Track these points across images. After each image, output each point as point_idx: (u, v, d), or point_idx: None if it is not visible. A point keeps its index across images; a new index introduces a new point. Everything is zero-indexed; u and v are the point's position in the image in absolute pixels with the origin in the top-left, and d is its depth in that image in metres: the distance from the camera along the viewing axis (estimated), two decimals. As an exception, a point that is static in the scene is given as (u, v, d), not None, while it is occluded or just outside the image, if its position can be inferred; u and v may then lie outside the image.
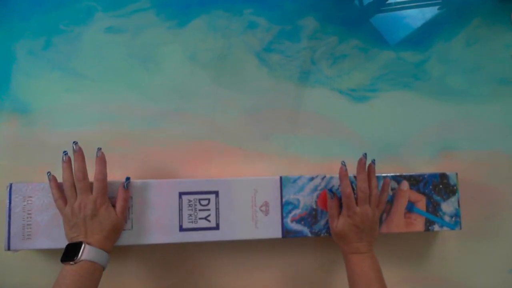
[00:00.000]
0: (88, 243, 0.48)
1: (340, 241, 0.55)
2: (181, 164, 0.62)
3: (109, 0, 0.63)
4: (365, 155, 0.55)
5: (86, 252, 0.47)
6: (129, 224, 0.54)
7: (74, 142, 0.51)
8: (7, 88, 0.61)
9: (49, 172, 0.52)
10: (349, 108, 0.66)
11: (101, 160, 0.51)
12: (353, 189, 0.55)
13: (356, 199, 0.54)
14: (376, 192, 0.55)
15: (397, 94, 0.67)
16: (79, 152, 0.51)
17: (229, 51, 0.65)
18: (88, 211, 0.49)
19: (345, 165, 0.55)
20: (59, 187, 0.51)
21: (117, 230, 0.51)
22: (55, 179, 0.52)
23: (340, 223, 0.54)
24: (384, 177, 0.59)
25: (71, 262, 0.46)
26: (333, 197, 0.56)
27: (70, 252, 0.47)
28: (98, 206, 0.50)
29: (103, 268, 0.49)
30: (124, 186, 0.53)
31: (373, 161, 0.56)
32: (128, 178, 0.53)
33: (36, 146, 0.61)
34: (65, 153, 0.51)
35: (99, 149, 0.52)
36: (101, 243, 0.49)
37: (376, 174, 0.59)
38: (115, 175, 0.55)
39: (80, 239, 0.48)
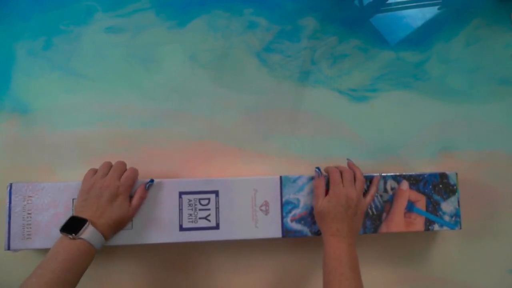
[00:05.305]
0: (93, 223, 0.47)
1: (321, 221, 0.54)
2: (181, 164, 0.62)
3: (109, 0, 0.63)
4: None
5: (88, 231, 0.46)
6: (129, 224, 0.54)
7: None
8: (7, 88, 0.61)
9: None
10: (349, 108, 0.66)
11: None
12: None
13: (342, 181, 0.55)
14: (361, 177, 0.56)
15: (397, 94, 0.67)
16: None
17: (229, 51, 0.65)
18: (107, 193, 0.49)
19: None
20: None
21: (122, 222, 0.51)
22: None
23: (325, 201, 0.54)
24: (384, 176, 0.59)
25: (70, 236, 0.45)
26: (320, 176, 0.56)
27: (72, 225, 0.46)
28: (119, 193, 0.50)
29: (95, 252, 0.47)
30: (145, 187, 0.54)
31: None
32: (152, 180, 0.55)
33: (36, 146, 0.61)
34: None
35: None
36: (104, 228, 0.48)
37: (376, 174, 0.59)
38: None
39: (86, 216, 0.47)
